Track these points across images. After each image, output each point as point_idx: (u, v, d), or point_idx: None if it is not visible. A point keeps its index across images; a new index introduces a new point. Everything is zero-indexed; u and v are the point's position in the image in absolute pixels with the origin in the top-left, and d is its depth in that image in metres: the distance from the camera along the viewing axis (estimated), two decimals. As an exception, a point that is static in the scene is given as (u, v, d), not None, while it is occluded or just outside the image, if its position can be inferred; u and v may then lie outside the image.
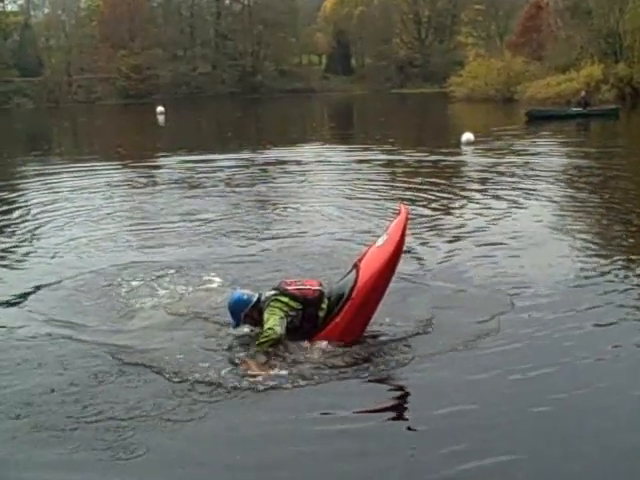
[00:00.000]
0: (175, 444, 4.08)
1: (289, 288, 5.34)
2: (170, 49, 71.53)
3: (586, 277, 6.85)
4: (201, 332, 5.58)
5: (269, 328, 5.11)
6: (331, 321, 5.24)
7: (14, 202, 12.68)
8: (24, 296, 6.69)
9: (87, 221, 10.51)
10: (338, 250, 8.00)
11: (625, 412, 4.38)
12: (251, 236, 9.06)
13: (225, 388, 4.60)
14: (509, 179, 13.35)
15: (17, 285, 7.10)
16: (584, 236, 8.67)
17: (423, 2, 73.37)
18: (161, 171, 17.05)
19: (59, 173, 16.60)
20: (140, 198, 12.59)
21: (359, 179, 14.01)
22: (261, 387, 4.61)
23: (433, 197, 11.47)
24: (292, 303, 5.25)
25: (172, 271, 7.15)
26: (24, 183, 15.57)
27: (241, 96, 65.39)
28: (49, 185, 14.55)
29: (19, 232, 9.93)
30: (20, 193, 13.84)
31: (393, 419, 4.41)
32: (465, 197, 11.63)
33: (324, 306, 5.32)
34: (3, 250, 8.80)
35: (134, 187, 14.12)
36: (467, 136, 19.39)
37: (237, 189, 13.22)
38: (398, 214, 5.31)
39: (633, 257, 7.63)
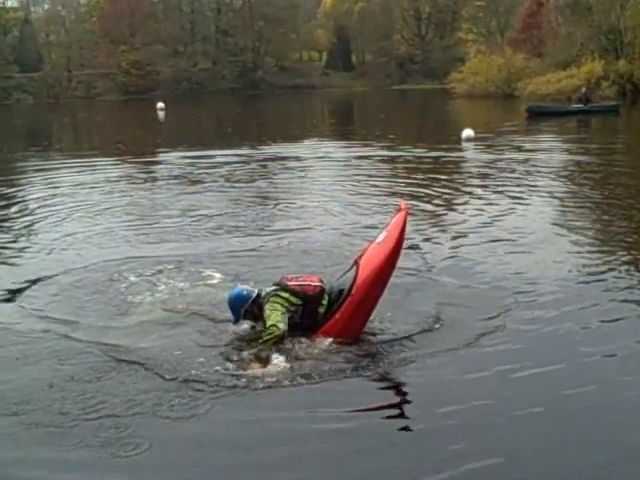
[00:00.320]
0: (174, 441, 4.03)
1: (290, 284, 5.29)
2: (170, 45, 71.58)
3: (590, 274, 6.82)
4: (200, 328, 5.52)
5: (272, 325, 5.04)
6: (331, 317, 5.19)
7: (13, 197, 12.63)
8: (20, 291, 6.63)
9: (86, 216, 10.45)
10: (338, 246, 7.95)
11: (631, 410, 4.32)
12: (251, 232, 9.01)
13: (224, 385, 4.55)
14: (510, 175, 13.31)
15: (13, 280, 7.03)
16: (586, 232, 8.66)
17: (424, -2, 73.47)
18: (161, 167, 17.01)
19: (59, 168, 16.59)
20: (140, 194, 12.53)
21: (359, 175, 13.96)
22: (261, 384, 4.55)
23: (434, 193, 11.42)
24: (292, 299, 5.20)
25: (171, 266, 7.10)
26: (24, 178, 15.55)
27: (241, 92, 65.39)
28: (48, 180, 14.51)
29: (17, 227, 9.88)
30: (19, 188, 13.79)
31: (393, 417, 4.34)
32: (467, 193, 11.58)
33: (324, 302, 5.26)
34: (0, 245, 8.74)
35: (134, 183, 14.07)
36: (467, 132, 19.32)
37: (237, 185, 13.17)
38: (398, 210, 5.26)
39: (636, 253, 7.59)
